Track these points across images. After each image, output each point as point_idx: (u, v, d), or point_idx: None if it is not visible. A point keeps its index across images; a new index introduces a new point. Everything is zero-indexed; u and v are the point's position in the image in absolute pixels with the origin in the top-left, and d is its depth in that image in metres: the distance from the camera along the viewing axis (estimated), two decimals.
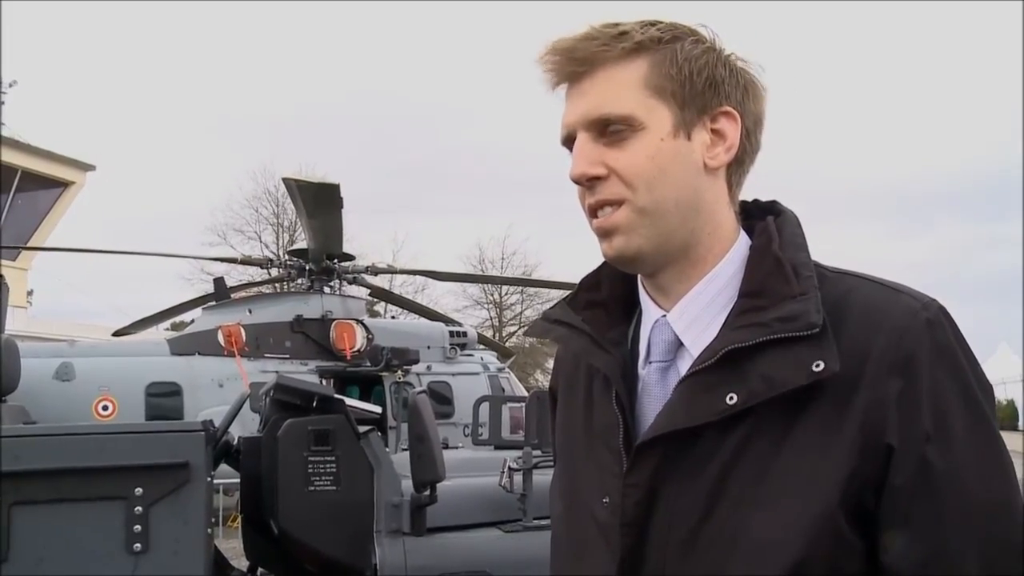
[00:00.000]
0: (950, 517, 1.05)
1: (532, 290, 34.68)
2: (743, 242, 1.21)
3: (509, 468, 3.97)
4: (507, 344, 28.35)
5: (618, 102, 1.13)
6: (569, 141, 1.19)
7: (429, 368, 14.03)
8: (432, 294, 29.34)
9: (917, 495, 1.05)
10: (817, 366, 1.05)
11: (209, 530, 3.50)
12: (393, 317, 22.85)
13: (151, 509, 3.35)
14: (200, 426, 3.52)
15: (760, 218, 1.23)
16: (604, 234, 1.17)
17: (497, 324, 35.39)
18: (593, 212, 1.18)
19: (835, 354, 1.06)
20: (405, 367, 13.06)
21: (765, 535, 1.06)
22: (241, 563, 4.53)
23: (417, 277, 24.54)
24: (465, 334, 15.83)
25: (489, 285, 33.93)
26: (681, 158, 1.14)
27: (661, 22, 1.17)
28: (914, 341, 1.07)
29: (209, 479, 3.48)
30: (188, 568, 3.34)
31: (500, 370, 15.52)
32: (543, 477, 4.14)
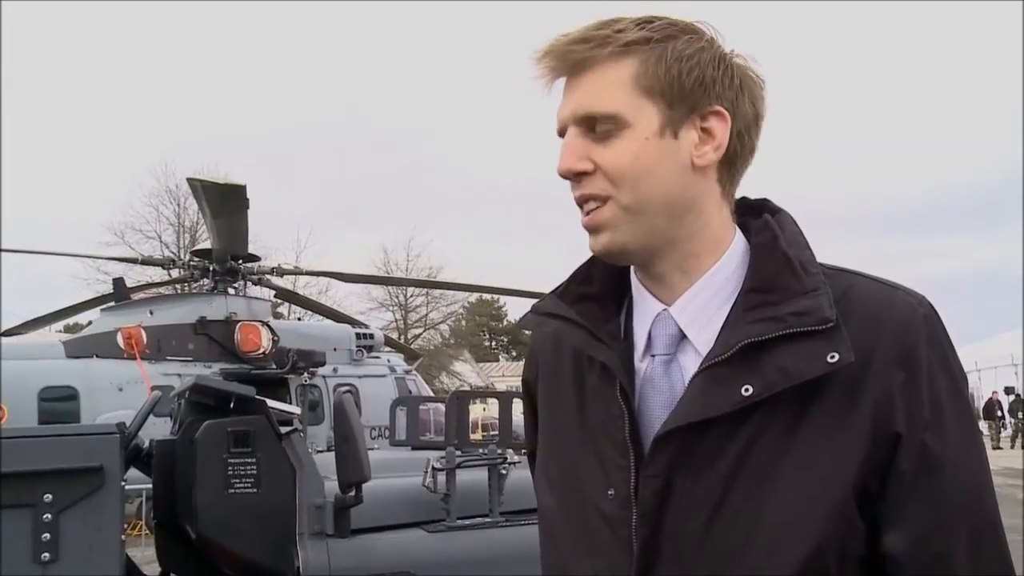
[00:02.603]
0: (945, 498, 1.11)
1: (437, 292, 34.59)
2: (740, 239, 1.24)
3: (433, 468, 3.93)
4: (412, 346, 28.21)
5: (605, 100, 1.15)
6: (563, 134, 1.21)
7: (336, 370, 13.87)
8: (335, 296, 28.93)
9: (917, 478, 1.11)
10: (832, 357, 1.09)
11: (123, 537, 3.38)
12: (298, 319, 22.50)
13: (61, 516, 3.22)
14: (114, 428, 3.40)
15: (753, 216, 1.26)
16: (591, 230, 1.20)
17: (402, 326, 35.15)
18: (580, 206, 1.20)
19: (848, 346, 1.10)
20: (311, 369, 12.87)
21: (781, 521, 1.09)
22: (148, 569, 4.40)
23: (319, 279, 24.16)
24: (372, 336, 15.71)
25: (394, 287, 33.70)
26: (667, 157, 1.16)
27: (658, 19, 1.18)
28: (915, 336, 1.13)
29: (122, 484, 3.36)
30: None
31: (407, 372, 15.45)
32: (466, 476, 4.13)
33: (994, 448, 23.89)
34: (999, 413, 26.45)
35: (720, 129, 1.18)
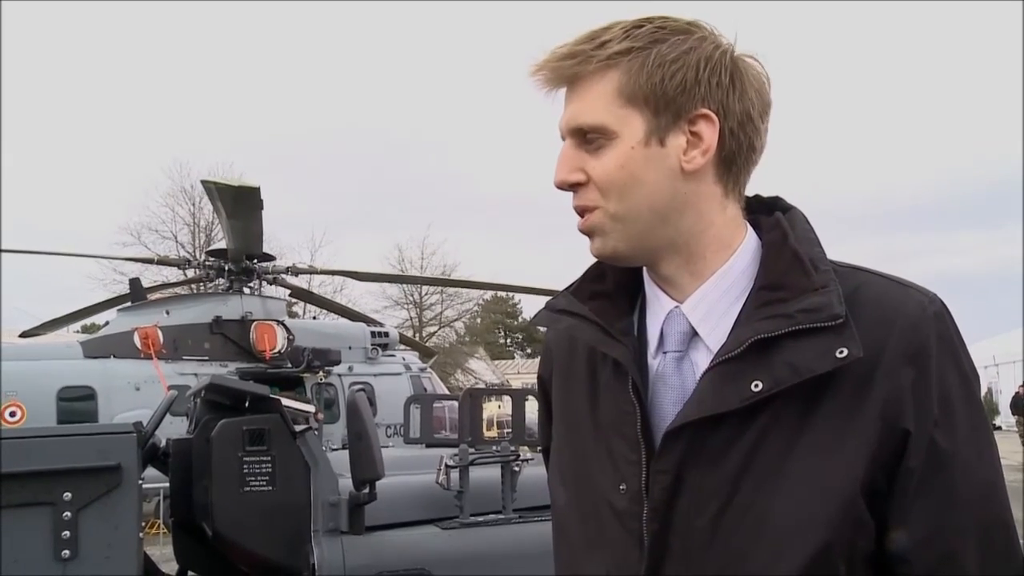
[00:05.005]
0: (954, 496, 1.11)
1: (452, 290, 34.60)
2: (752, 237, 1.24)
3: (446, 465, 3.95)
4: (427, 344, 28.26)
5: (591, 113, 1.18)
6: None
7: (351, 369, 13.91)
8: (350, 294, 28.99)
9: (926, 476, 1.11)
10: (841, 353, 1.10)
11: (140, 535, 3.41)
12: (314, 317, 22.56)
13: (80, 514, 3.26)
14: (131, 427, 3.43)
15: (765, 214, 1.26)
16: (586, 235, 1.23)
17: (417, 324, 35.19)
18: (579, 214, 1.23)
19: (857, 341, 1.10)
20: (326, 368, 12.92)
21: (789, 518, 1.10)
22: (165, 567, 4.44)
23: (335, 277, 24.24)
24: (387, 334, 15.74)
25: (408, 285, 33.75)
26: (653, 164, 1.17)
27: (648, 23, 1.18)
28: (925, 333, 1.13)
29: (140, 482, 3.40)
30: (119, 574, 3.25)
31: (422, 370, 15.47)
32: (479, 474, 4.15)
33: None
34: None
35: (708, 132, 1.17)
